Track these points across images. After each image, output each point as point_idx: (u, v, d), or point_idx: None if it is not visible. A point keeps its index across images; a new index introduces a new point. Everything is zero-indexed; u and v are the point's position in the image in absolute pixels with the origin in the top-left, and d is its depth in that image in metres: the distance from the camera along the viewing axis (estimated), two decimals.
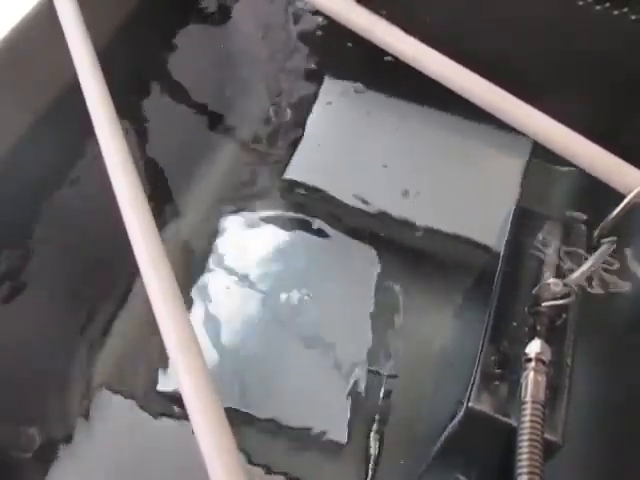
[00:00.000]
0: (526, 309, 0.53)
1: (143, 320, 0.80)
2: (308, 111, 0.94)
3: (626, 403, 0.70)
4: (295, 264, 0.84)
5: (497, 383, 0.49)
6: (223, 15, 1.06)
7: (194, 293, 0.82)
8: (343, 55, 0.98)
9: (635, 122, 0.88)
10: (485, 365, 0.50)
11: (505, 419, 0.47)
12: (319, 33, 1.01)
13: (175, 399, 0.73)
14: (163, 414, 0.71)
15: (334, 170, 0.88)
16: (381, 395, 0.75)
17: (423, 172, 0.88)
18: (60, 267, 0.81)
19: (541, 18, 0.85)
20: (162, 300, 0.49)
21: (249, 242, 0.87)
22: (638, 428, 0.67)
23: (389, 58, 0.62)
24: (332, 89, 0.96)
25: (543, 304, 0.51)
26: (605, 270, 0.54)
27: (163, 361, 0.76)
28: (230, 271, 0.84)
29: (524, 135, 0.56)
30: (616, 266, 0.52)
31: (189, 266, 0.85)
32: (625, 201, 0.48)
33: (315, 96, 0.96)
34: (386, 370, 0.77)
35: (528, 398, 0.45)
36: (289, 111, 1.01)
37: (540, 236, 0.57)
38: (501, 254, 0.57)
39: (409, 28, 0.61)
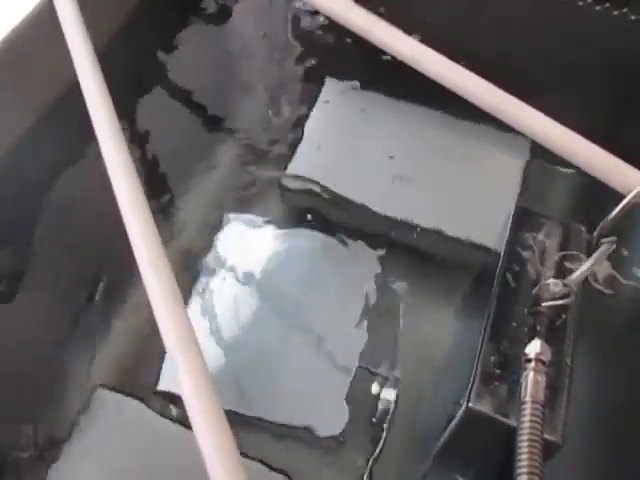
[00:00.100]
0: (526, 309, 0.53)
1: (143, 320, 0.80)
2: (308, 111, 0.94)
3: (626, 403, 0.70)
4: (295, 264, 0.84)
5: (497, 383, 0.49)
6: (223, 16, 1.06)
7: (194, 293, 0.82)
8: (343, 55, 0.98)
9: (635, 122, 0.88)
10: (485, 365, 0.50)
11: (505, 419, 0.47)
12: (318, 33, 1.01)
13: (175, 399, 0.73)
14: (163, 414, 0.71)
15: (334, 170, 0.88)
16: (381, 395, 0.75)
17: (423, 173, 0.88)
18: (60, 267, 0.81)
19: (541, 18, 0.85)
20: (162, 300, 0.49)
21: (249, 242, 0.87)
22: (638, 428, 0.67)
23: (388, 57, 0.62)
24: (332, 90, 0.96)
25: (543, 304, 0.51)
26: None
27: (163, 361, 0.76)
28: (230, 271, 0.84)
29: (524, 136, 0.56)
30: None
31: (189, 266, 0.85)
32: (624, 201, 0.48)
33: (315, 96, 0.96)
34: (386, 370, 0.77)
35: (528, 398, 0.45)
36: (289, 111, 1.01)
37: (540, 236, 0.57)
38: (501, 254, 0.57)
39: (408, 28, 0.61)
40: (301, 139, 0.91)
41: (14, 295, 0.77)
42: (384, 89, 0.95)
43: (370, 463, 0.71)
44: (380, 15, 0.62)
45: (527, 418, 0.44)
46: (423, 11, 0.91)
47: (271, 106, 1.02)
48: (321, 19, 1.00)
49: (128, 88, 0.90)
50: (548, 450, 0.44)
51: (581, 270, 0.49)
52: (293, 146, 0.91)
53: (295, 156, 0.89)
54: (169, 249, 0.54)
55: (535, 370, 0.47)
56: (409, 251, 0.85)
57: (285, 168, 0.88)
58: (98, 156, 0.58)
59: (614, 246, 0.48)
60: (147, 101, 0.96)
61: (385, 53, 0.62)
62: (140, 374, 0.77)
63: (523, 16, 0.87)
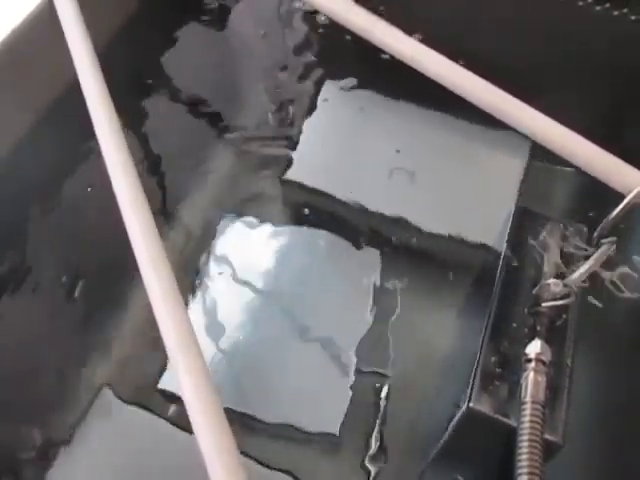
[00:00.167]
0: (526, 309, 0.53)
1: (143, 320, 0.80)
2: (308, 111, 0.94)
3: (627, 403, 0.70)
4: (295, 264, 0.84)
5: (497, 383, 0.49)
6: (223, 16, 1.06)
7: (194, 293, 0.82)
8: (343, 55, 0.98)
9: (635, 122, 0.88)
10: (485, 365, 0.50)
11: (505, 419, 0.47)
12: (319, 33, 1.01)
13: (175, 398, 0.73)
14: (163, 414, 0.71)
15: (334, 170, 0.88)
16: (381, 395, 0.75)
17: (423, 172, 0.88)
18: (60, 267, 0.81)
19: (541, 18, 0.85)
20: (162, 300, 0.49)
21: (249, 242, 0.87)
22: (638, 428, 0.67)
23: (388, 56, 0.62)
24: (332, 90, 0.96)
25: (543, 304, 0.51)
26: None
27: (163, 361, 0.76)
28: (230, 271, 0.84)
29: (524, 136, 0.56)
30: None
31: (189, 266, 0.85)
32: (625, 201, 0.48)
33: (315, 96, 0.96)
34: (385, 370, 0.77)
35: (528, 398, 0.45)
36: (289, 111, 1.01)
37: (540, 236, 0.57)
38: (501, 254, 0.57)
39: (408, 28, 0.61)
40: (301, 139, 0.91)
41: (14, 295, 0.77)
42: (384, 89, 0.95)
43: (369, 463, 0.71)
44: (380, 15, 0.62)
45: (527, 418, 0.44)
46: (423, 11, 0.91)
47: (271, 106, 1.02)
48: (322, 18, 1.00)
49: (128, 88, 0.90)
50: (548, 450, 0.44)
51: (581, 270, 0.49)
52: (293, 146, 0.91)
53: (295, 156, 0.89)
54: (169, 249, 0.54)
55: (535, 370, 0.47)
56: (409, 251, 0.85)
57: (285, 168, 0.88)
58: (98, 156, 0.58)
59: (614, 246, 0.48)
60: (147, 101, 0.96)
61: (385, 52, 0.62)
62: (140, 374, 0.77)
63: (523, 16, 0.87)
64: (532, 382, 0.46)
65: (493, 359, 0.50)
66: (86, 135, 0.61)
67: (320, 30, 1.01)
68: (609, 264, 0.50)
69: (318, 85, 0.97)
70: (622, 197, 0.48)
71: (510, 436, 0.45)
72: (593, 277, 0.50)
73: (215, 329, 0.79)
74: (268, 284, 0.83)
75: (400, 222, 0.83)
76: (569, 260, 0.55)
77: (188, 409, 0.44)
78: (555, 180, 0.90)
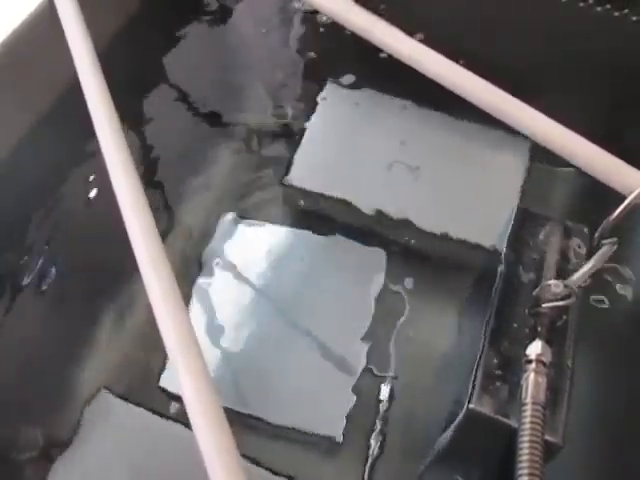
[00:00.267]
0: (527, 310, 0.53)
1: (143, 320, 0.80)
2: (308, 112, 0.94)
3: (627, 404, 0.70)
4: (296, 264, 0.84)
5: (498, 384, 0.49)
6: (224, 16, 1.06)
7: (194, 293, 0.82)
8: (343, 54, 0.98)
9: (635, 122, 0.88)
10: (486, 366, 0.50)
11: (505, 420, 0.47)
12: (319, 33, 1.01)
13: (175, 398, 0.73)
14: (163, 414, 0.71)
15: (334, 171, 0.88)
16: (382, 396, 0.75)
17: (424, 173, 0.88)
18: (60, 267, 0.81)
19: (541, 18, 0.85)
20: (162, 300, 0.49)
21: (250, 243, 0.87)
22: (638, 428, 0.67)
23: (387, 56, 0.62)
24: (333, 90, 0.96)
25: (544, 305, 0.51)
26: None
27: (163, 360, 0.76)
28: (231, 272, 0.84)
29: (524, 136, 0.56)
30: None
31: (189, 267, 0.85)
32: (625, 202, 0.48)
33: (315, 96, 0.96)
34: (387, 371, 0.77)
35: (528, 399, 0.45)
36: (289, 111, 1.01)
37: (541, 237, 0.57)
38: (502, 255, 0.57)
39: (408, 28, 0.61)
40: (301, 139, 0.91)
41: (15, 296, 0.77)
42: (384, 89, 0.95)
43: (370, 464, 0.71)
44: (380, 15, 0.62)
45: (528, 419, 0.44)
46: (423, 11, 0.91)
47: (271, 106, 1.02)
48: (324, 18, 1.00)
49: (129, 88, 0.90)
50: (549, 451, 0.44)
51: (582, 271, 0.49)
52: (293, 146, 0.91)
53: (296, 156, 0.89)
54: (169, 249, 0.54)
55: (536, 371, 0.47)
56: (410, 252, 0.85)
57: (286, 168, 0.88)
58: (99, 156, 0.58)
59: (615, 247, 0.48)
60: (148, 101, 0.96)
61: (384, 52, 0.62)
62: (140, 375, 0.77)
63: (523, 16, 0.87)
64: (533, 383, 0.46)
65: (494, 360, 0.50)
66: (86, 135, 0.61)
67: (320, 30, 1.01)
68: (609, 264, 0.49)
69: (319, 85, 0.97)
70: (623, 198, 0.48)
71: (510, 437, 0.45)
72: (594, 277, 0.50)
73: (215, 329, 0.79)
74: (269, 284, 0.82)
75: (401, 223, 0.83)
76: (570, 261, 0.55)
77: (188, 409, 0.44)
78: (556, 181, 0.90)
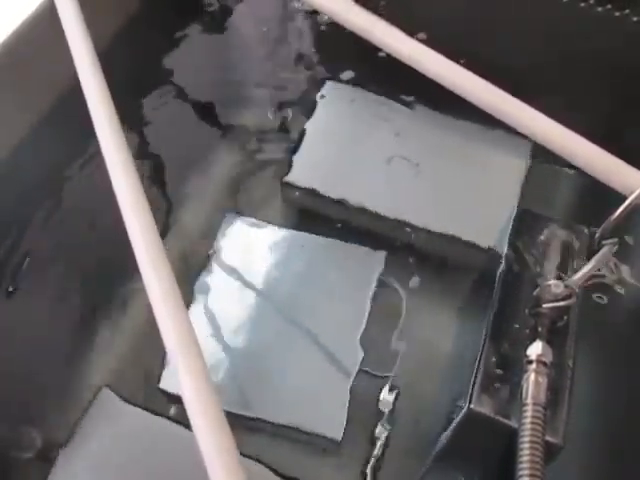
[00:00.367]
0: (527, 310, 0.53)
1: (143, 320, 0.80)
2: (308, 111, 0.94)
3: (627, 404, 0.70)
4: (296, 265, 0.84)
5: (498, 385, 0.49)
6: (224, 16, 1.06)
7: (194, 293, 0.82)
8: (343, 54, 0.98)
9: (635, 122, 0.88)
10: (486, 367, 0.50)
11: (506, 421, 0.47)
12: (319, 33, 1.01)
13: (175, 398, 0.73)
14: (163, 414, 0.71)
15: (334, 172, 0.88)
16: (382, 396, 0.75)
17: (424, 173, 0.88)
18: (60, 267, 0.81)
19: (541, 18, 0.85)
20: (162, 300, 0.49)
21: (250, 243, 0.87)
22: (638, 428, 0.67)
23: (387, 56, 0.62)
24: (333, 90, 0.96)
25: (544, 305, 0.51)
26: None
27: (163, 361, 0.76)
28: (231, 272, 0.84)
29: (525, 136, 0.56)
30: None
31: (189, 266, 0.85)
32: (626, 202, 0.48)
33: (315, 96, 0.96)
34: (387, 371, 0.77)
35: (529, 400, 0.45)
36: (289, 111, 1.01)
37: (541, 237, 0.57)
38: (503, 255, 0.57)
39: (409, 28, 0.61)
40: (302, 140, 0.91)
41: (14, 295, 0.77)
42: (384, 89, 0.95)
43: (370, 464, 0.71)
44: (380, 15, 0.62)
45: (528, 420, 0.44)
46: (423, 11, 0.91)
47: (271, 106, 1.02)
48: (324, 18, 1.00)
49: (129, 88, 0.90)
50: (549, 452, 0.44)
51: (583, 271, 0.49)
52: (294, 146, 0.91)
53: (296, 157, 0.89)
54: (169, 249, 0.54)
55: (536, 371, 0.46)
56: (410, 252, 0.85)
57: (286, 168, 0.88)
58: (99, 156, 0.58)
59: (616, 247, 0.48)
60: (148, 101, 0.96)
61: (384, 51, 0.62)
62: (140, 374, 0.77)
63: (523, 16, 0.87)
64: (533, 383, 0.46)
65: (494, 360, 0.50)
66: (86, 135, 0.61)
67: (320, 30, 1.01)
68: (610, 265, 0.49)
69: (319, 85, 0.97)
70: (623, 198, 0.48)
71: (511, 437, 0.45)
72: (594, 277, 0.50)
73: (215, 329, 0.79)
74: (269, 285, 0.82)
75: (401, 223, 0.83)
76: (570, 261, 0.55)
77: (188, 409, 0.44)
78: (556, 181, 0.90)
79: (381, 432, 0.73)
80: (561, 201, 0.90)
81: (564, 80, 0.88)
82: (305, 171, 0.88)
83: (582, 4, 0.82)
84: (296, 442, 0.72)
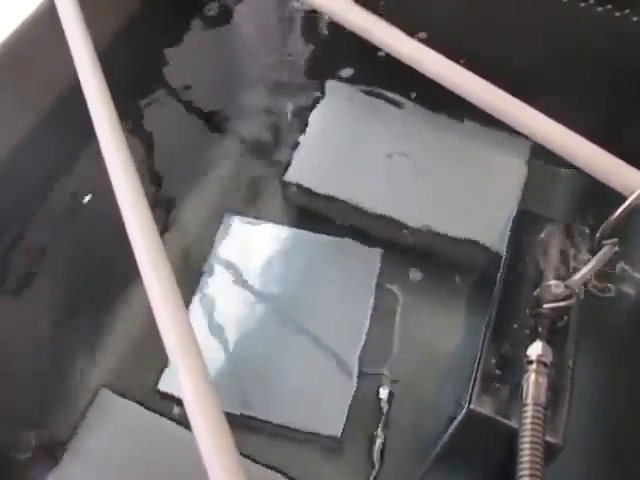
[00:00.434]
0: (527, 311, 0.53)
1: (143, 320, 0.80)
2: (309, 111, 0.94)
3: (627, 404, 0.70)
4: (296, 264, 0.84)
5: (498, 385, 0.49)
6: (224, 17, 1.06)
7: (194, 293, 0.82)
8: (344, 54, 0.98)
9: (635, 122, 0.88)
10: (486, 367, 0.50)
11: (506, 421, 0.47)
12: (319, 32, 1.01)
13: (175, 399, 0.73)
14: (163, 414, 0.71)
15: (334, 171, 0.88)
16: (382, 395, 0.75)
17: (424, 173, 0.88)
18: (61, 267, 0.81)
19: (541, 18, 0.85)
20: (162, 300, 0.49)
21: (250, 243, 0.87)
22: (638, 428, 0.67)
23: (387, 57, 0.62)
24: (333, 90, 0.96)
25: (544, 306, 0.51)
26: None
27: (163, 361, 0.76)
28: (231, 271, 0.84)
29: (525, 136, 0.56)
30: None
31: (189, 267, 0.85)
32: (626, 203, 0.47)
33: (315, 96, 0.96)
34: (386, 371, 0.77)
35: (529, 400, 0.45)
36: (289, 111, 1.01)
37: (542, 238, 0.57)
38: (503, 256, 0.57)
39: (409, 28, 0.61)
40: (301, 140, 0.91)
41: (14, 297, 0.77)
42: (384, 88, 0.95)
43: (370, 464, 0.71)
44: (380, 15, 0.62)
45: (528, 420, 0.44)
46: (423, 11, 0.91)
47: (272, 106, 1.02)
48: (324, 18, 1.00)
49: (129, 88, 0.90)
50: (549, 452, 0.44)
51: (583, 272, 0.49)
52: (294, 146, 0.91)
53: (296, 156, 0.89)
54: (169, 249, 0.54)
55: (537, 372, 0.46)
56: (410, 252, 0.85)
57: (286, 168, 0.88)
58: (99, 156, 0.58)
59: (616, 248, 0.48)
60: (148, 101, 0.96)
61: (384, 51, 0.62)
62: (140, 374, 0.77)
63: (523, 16, 0.87)
64: (533, 384, 0.46)
65: (494, 360, 0.50)
66: (86, 135, 0.61)
67: (320, 29, 1.01)
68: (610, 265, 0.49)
69: (320, 85, 0.97)
70: (623, 198, 0.48)
71: (511, 437, 0.45)
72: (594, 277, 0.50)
73: (215, 329, 0.79)
74: (269, 284, 0.82)
75: (401, 223, 0.83)
76: (570, 261, 0.55)
77: (188, 409, 0.44)
78: (556, 181, 0.90)
79: (381, 432, 0.72)
80: (561, 201, 0.89)
81: (564, 80, 0.88)
82: (305, 170, 0.88)
83: (582, 4, 0.82)
84: (296, 442, 0.72)
